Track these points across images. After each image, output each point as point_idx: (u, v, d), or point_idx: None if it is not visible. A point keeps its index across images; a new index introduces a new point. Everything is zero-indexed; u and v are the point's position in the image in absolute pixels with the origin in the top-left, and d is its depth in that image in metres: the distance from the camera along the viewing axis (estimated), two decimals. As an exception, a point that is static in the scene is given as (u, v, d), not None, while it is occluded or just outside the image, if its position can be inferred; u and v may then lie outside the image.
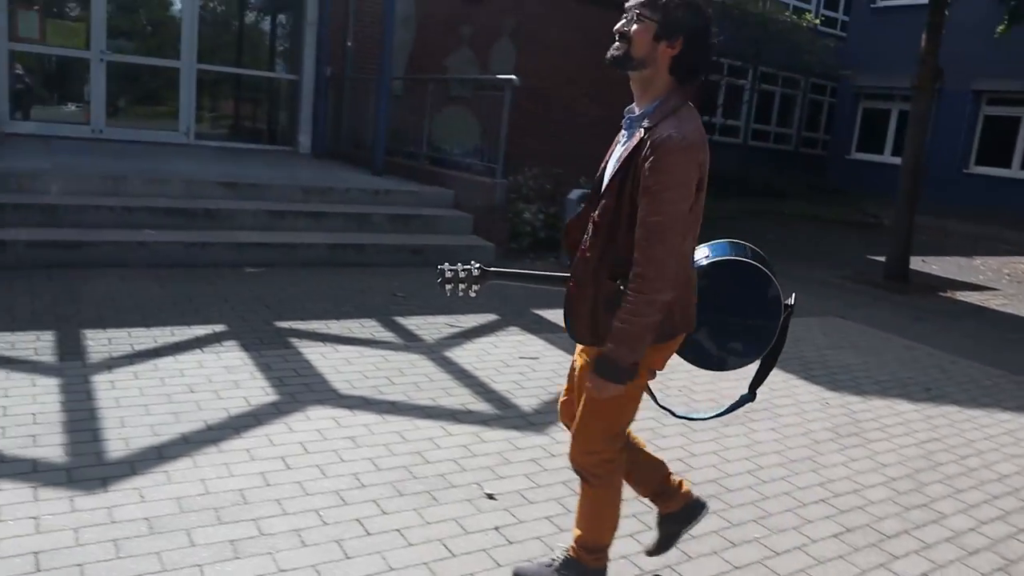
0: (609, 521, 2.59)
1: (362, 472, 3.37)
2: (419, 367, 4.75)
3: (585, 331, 2.38)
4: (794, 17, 19.09)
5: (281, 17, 12.51)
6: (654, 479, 2.74)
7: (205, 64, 11.44)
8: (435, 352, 5.06)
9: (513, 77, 8.11)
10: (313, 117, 11.85)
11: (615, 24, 2.27)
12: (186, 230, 6.59)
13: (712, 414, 2.88)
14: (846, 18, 22.93)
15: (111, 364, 4.22)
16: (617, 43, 2.23)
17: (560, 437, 3.91)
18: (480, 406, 4.29)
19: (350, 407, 4.02)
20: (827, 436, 4.46)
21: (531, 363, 5.07)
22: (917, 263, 10.69)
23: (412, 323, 5.63)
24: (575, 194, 8.40)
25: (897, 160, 19.99)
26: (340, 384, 4.31)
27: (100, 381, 3.98)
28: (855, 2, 21.42)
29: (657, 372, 2.46)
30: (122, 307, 5.20)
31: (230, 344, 4.74)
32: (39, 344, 4.40)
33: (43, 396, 3.74)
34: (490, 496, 3.31)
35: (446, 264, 2.74)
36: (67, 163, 7.41)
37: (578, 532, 2.61)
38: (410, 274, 7.02)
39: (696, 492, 2.89)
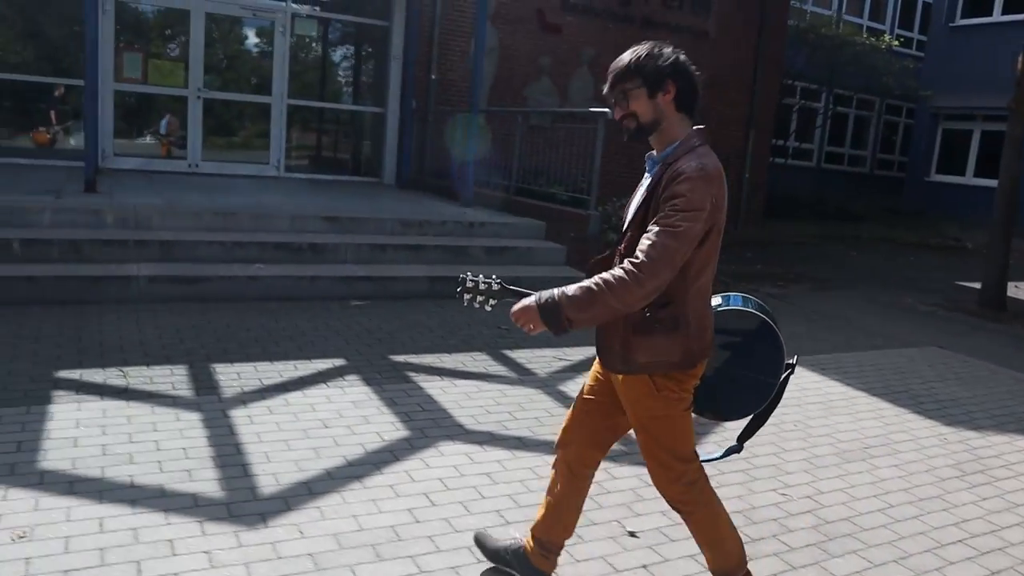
0: (728, 541, 2.62)
1: (504, 509, 3.42)
2: (537, 402, 4.79)
3: (616, 360, 2.45)
4: (872, 39, 18.82)
5: (366, 52, 12.81)
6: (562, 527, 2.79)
7: (295, 99, 11.79)
8: (549, 386, 5.11)
9: (606, 110, 8.16)
10: (398, 149, 12.09)
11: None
12: (293, 264, 6.77)
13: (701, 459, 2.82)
14: (923, 38, 22.52)
15: (244, 399, 4.35)
16: (625, 122, 2.42)
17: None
18: (603, 441, 4.31)
19: (480, 443, 4.08)
20: (952, 473, 4.36)
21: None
22: (1011, 289, 10.40)
23: (521, 356, 5.69)
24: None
25: (980, 182, 19.64)
26: (465, 419, 4.37)
27: (238, 416, 4.11)
28: (933, 22, 21.03)
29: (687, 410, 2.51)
30: (243, 341, 5.37)
31: (352, 378, 4.85)
32: (174, 378, 4.57)
33: (189, 431, 3.88)
34: (632, 534, 3.32)
35: (468, 273, 2.76)
36: (176, 199, 7.69)
37: (712, 563, 2.65)
38: (509, 306, 7.06)
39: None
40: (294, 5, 11.64)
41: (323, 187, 10.77)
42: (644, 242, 2.24)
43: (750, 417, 2.72)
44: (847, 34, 19.03)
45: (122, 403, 4.15)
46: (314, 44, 12.63)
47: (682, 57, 2.41)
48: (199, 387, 4.47)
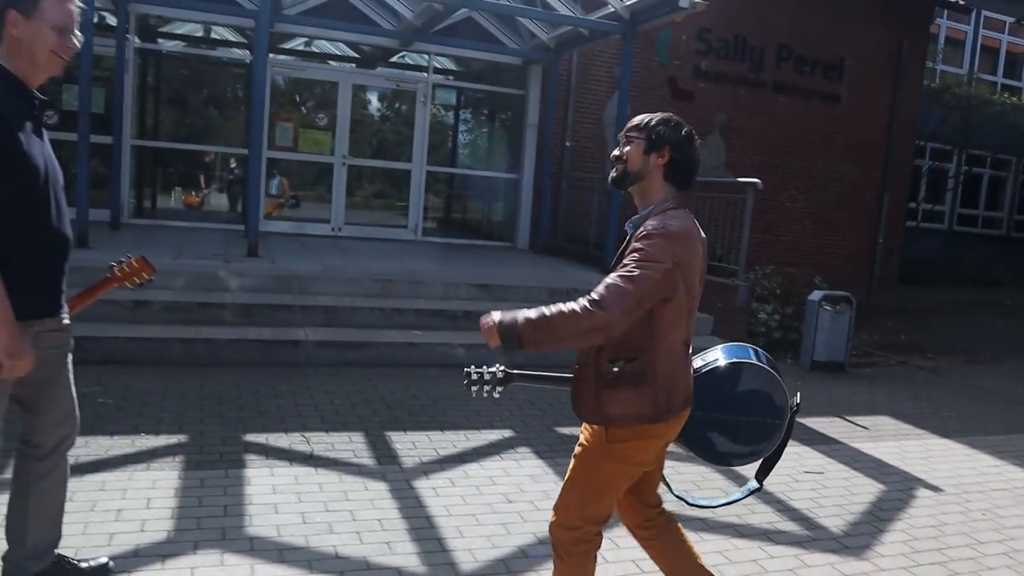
0: None
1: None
2: (712, 480, 4.69)
3: (590, 411, 2.54)
4: (1014, 99, 18.14)
5: (502, 120, 13.15)
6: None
7: (433, 166, 12.17)
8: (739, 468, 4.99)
9: (756, 181, 8.13)
10: (532, 214, 12.26)
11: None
12: (449, 331, 6.90)
13: (723, 501, 3.05)
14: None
15: (425, 469, 4.42)
16: (616, 166, 2.58)
17: (883, 564, 3.75)
18: (789, 526, 4.18)
19: (666, 524, 4.00)
20: None
21: (818, 478, 4.91)
22: None
23: (682, 430, 5.59)
24: (817, 295, 8.19)
25: None
26: (645, 497, 4.31)
27: (423, 487, 4.17)
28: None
29: (637, 462, 2.56)
30: (412, 408, 5.47)
31: (524, 451, 4.86)
32: (354, 446, 4.68)
33: (379, 501, 3.95)
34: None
35: (472, 367, 2.87)
36: (332, 264, 7.98)
37: None
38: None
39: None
40: (435, 76, 12.08)
41: (459, 251, 11.00)
42: (600, 284, 2.35)
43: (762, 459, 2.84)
44: (983, 93, 18.40)
45: (310, 470, 4.27)
46: (453, 113, 13.05)
47: (690, 135, 2.54)
48: (379, 456, 4.56)
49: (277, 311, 6.57)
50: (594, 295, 2.31)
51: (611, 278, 2.35)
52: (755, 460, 2.86)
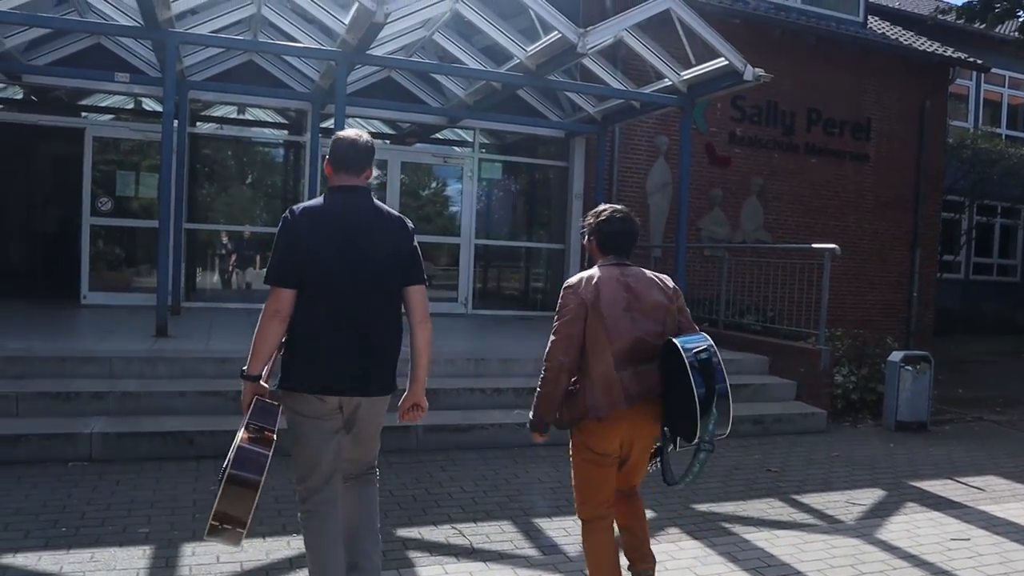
0: (595, 568, 3.45)
1: None
2: (868, 554, 4.63)
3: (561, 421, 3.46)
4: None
5: (547, 192, 13.29)
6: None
7: (481, 239, 12.26)
8: (866, 534, 4.94)
9: (834, 246, 8.21)
10: (580, 283, 12.32)
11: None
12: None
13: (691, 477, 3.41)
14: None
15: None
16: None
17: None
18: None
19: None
20: None
21: (969, 545, 4.87)
22: None
23: (812, 501, 5.56)
24: (897, 356, 8.21)
25: None
26: (821, 577, 4.26)
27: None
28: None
29: (598, 461, 3.38)
30: (543, 492, 5.41)
31: (673, 531, 4.80)
32: (509, 536, 4.61)
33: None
34: None
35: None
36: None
37: None
38: (763, 446, 7.01)
39: None
40: (482, 152, 12.26)
41: (513, 323, 11.02)
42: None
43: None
44: (996, 147, 18.76)
45: (481, 565, 4.20)
46: (499, 186, 13.19)
47: (604, 217, 3.49)
48: (541, 546, 4.50)
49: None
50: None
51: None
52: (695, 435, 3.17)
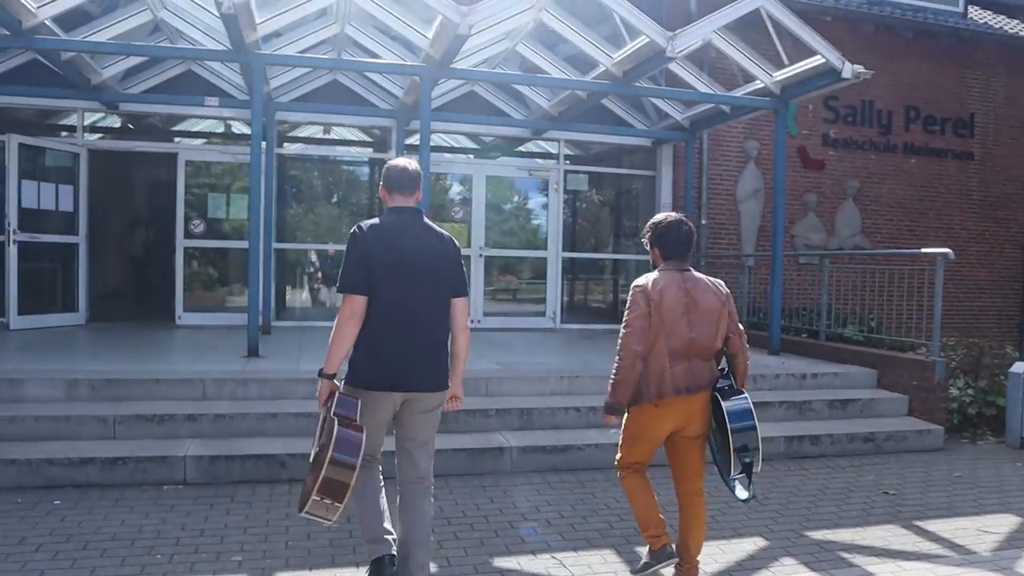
0: (639, 505, 4.02)
1: None
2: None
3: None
4: None
5: (635, 202, 12.99)
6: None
7: (568, 252, 12.05)
8: (1005, 568, 4.50)
9: (947, 251, 7.70)
10: (670, 294, 12.00)
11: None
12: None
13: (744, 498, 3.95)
14: None
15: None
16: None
17: None
18: None
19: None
20: None
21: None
22: None
23: (938, 529, 5.13)
24: (1020, 367, 7.63)
25: None
26: (960, 617, 3.88)
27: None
28: None
29: (645, 439, 3.97)
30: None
31: (789, 561, 4.48)
32: (610, 566, 4.36)
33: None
34: None
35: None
36: (511, 361, 7.79)
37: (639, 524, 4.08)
38: (875, 465, 6.57)
39: None
40: (567, 163, 12.06)
41: (602, 338, 10.74)
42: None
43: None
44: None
45: (585, 597, 3.97)
46: (585, 197, 12.97)
47: (664, 226, 3.90)
48: (646, 576, 4.23)
49: (474, 416, 6.35)
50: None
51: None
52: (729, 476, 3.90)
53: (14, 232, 9.54)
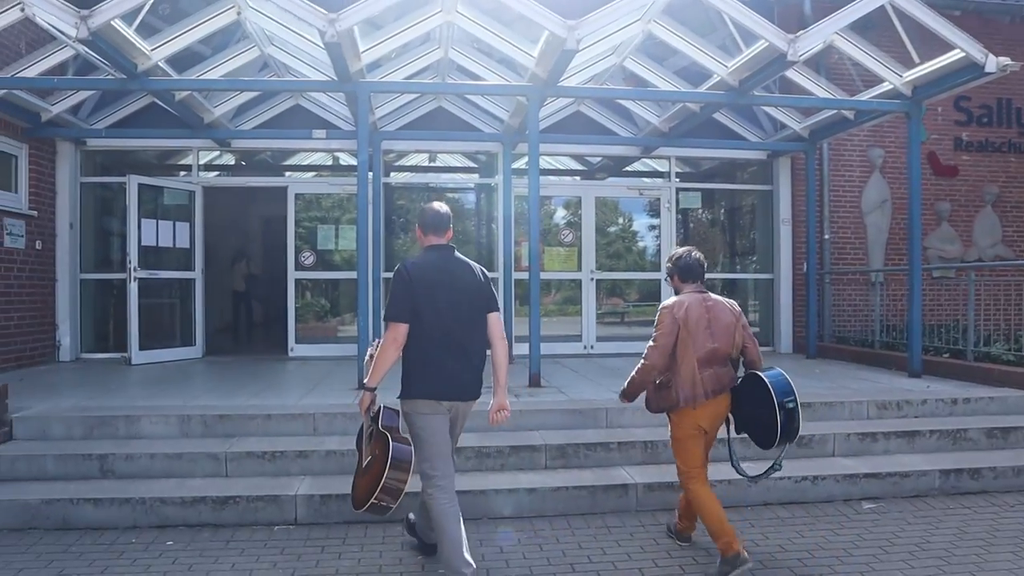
0: (709, 516, 4.41)
1: None
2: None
3: (651, 408, 4.68)
4: None
5: (751, 218, 12.39)
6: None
7: (682, 273, 11.54)
8: None
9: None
10: (793, 315, 11.34)
11: None
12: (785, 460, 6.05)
13: (758, 474, 4.81)
14: None
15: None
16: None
17: None
18: None
19: None
20: None
21: None
22: None
23: None
24: None
25: None
26: None
27: None
28: None
29: (695, 436, 4.53)
30: (790, 564, 4.63)
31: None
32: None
33: None
34: None
35: None
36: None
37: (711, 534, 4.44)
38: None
39: None
40: (678, 181, 11.60)
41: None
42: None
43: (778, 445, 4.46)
44: None
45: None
46: (698, 215, 12.47)
47: (680, 257, 4.66)
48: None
49: (594, 450, 5.97)
50: (645, 353, 4.47)
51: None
52: (771, 447, 4.51)
53: (135, 269, 9.77)
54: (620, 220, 12.01)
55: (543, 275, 11.18)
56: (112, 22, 6.82)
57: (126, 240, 9.95)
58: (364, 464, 4.16)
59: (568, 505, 5.48)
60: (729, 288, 12.41)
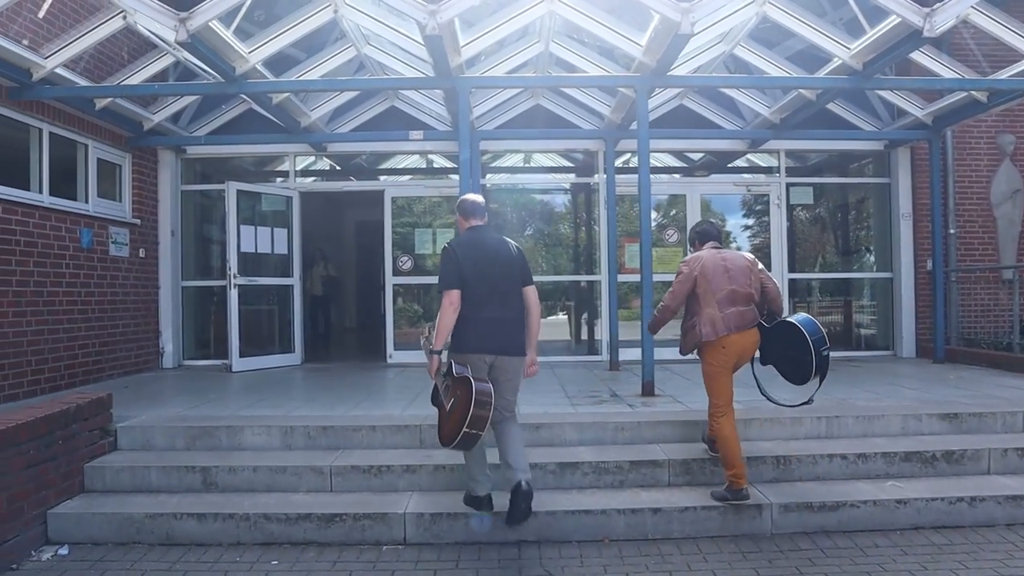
0: (729, 450, 5.06)
1: None
2: None
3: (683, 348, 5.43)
4: None
5: (868, 214, 11.65)
6: None
7: (794, 273, 10.94)
8: None
9: None
10: (916, 317, 10.58)
11: None
12: (930, 479, 5.48)
13: (790, 404, 5.51)
14: None
15: None
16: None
17: None
18: None
19: None
20: None
21: None
22: None
23: None
24: None
25: None
26: None
27: None
28: None
29: (725, 369, 5.18)
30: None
31: None
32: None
33: None
34: None
35: None
36: (748, 399, 6.88)
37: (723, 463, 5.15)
38: None
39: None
40: (788, 176, 10.96)
41: (839, 368, 9.50)
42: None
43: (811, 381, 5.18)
44: None
45: None
46: (810, 212, 11.78)
47: (699, 224, 5.68)
48: None
49: (720, 465, 5.47)
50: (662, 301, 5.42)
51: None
52: (803, 383, 5.21)
53: (234, 276, 9.73)
54: (726, 218, 11.42)
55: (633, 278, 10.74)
56: (210, 24, 6.70)
57: (225, 247, 9.93)
58: (448, 409, 4.66)
59: (696, 527, 5.03)
60: (843, 288, 11.67)
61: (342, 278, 15.00)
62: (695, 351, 5.26)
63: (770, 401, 5.41)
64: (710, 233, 5.46)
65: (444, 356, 4.81)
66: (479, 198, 5.16)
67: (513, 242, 5.02)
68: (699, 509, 5.06)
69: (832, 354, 10.55)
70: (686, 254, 10.83)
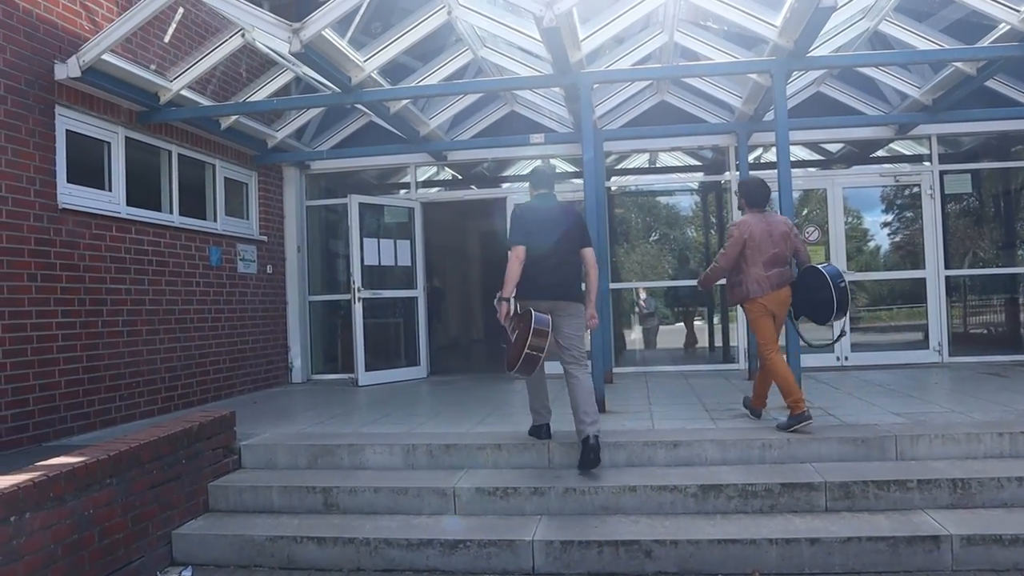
0: (784, 379, 5.70)
1: None
2: None
3: (732, 301, 6.11)
4: None
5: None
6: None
7: (953, 269, 9.98)
8: None
9: None
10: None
11: None
12: None
13: (823, 343, 7.00)
14: None
15: None
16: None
17: None
18: None
19: None
20: None
21: None
22: None
23: None
24: None
25: None
26: None
27: None
28: None
29: (765, 315, 5.85)
30: None
31: None
32: None
33: None
34: None
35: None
36: (913, 411, 6.16)
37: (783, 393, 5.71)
38: None
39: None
40: (940, 165, 9.99)
41: (1013, 373, 8.56)
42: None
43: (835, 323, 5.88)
44: None
45: None
46: (967, 202, 10.74)
47: (748, 183, 6.17)
48: None
49: (887, 488, 4.86)
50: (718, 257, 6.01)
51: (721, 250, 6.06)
52: (827, 322, 5.89)
53: (359, 290, 9.67)
54: (870, 212, 10.55)
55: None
56: (323, 33, 6.58)
57: (349, 261, 9.89)
58: (512, 339, 5.26)
59: (861, 561, 4.42)
60: (1010, 286, 10.53)
61: (445, 290, 14.86)
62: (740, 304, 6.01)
63: (809, 345, 6.34)
64: (755, 193, 5.96)
65: (512, 304, 5.37)
66: (548, 168, 5.76)
67: (575, 208, 5.71)
68: (864, 540, 4.44)
69: (1005, 358, 9.75)
70: (829, 255, 10.25)
